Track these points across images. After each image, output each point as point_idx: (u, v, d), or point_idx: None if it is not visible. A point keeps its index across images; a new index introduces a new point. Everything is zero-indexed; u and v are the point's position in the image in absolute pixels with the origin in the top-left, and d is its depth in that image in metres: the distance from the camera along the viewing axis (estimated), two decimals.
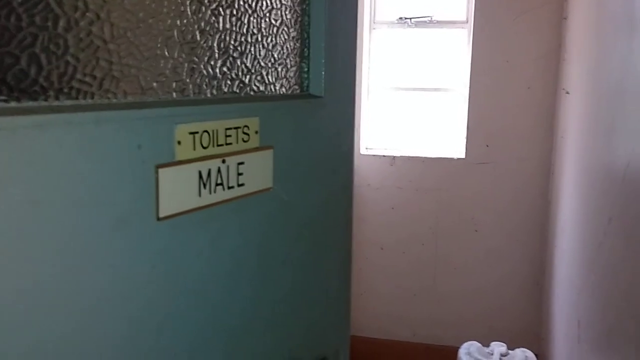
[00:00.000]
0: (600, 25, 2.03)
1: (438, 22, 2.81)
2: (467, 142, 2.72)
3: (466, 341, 2.42)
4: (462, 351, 2.36)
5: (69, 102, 0.69)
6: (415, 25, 2.83)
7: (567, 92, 2.42)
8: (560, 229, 2.42)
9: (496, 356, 2.30)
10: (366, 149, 2.87)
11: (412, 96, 2.93)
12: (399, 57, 2.90)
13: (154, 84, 0.79)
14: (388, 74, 2.91)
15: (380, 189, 2.82)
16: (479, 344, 2.37)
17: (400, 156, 2.80)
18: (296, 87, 1.15)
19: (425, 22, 2.81)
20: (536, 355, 2.41)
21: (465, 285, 2.80)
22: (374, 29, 2.86)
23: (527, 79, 2.63)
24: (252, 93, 0.99)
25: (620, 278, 1.69)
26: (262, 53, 1.02)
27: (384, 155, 2.81)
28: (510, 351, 2.34)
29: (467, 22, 2.72)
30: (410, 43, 2.88)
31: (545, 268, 2.65)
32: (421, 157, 2.79)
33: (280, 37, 1.08)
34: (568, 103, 2.41)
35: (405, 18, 2.82)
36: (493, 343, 2.38)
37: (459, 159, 2.74)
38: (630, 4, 1.72)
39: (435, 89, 2.88)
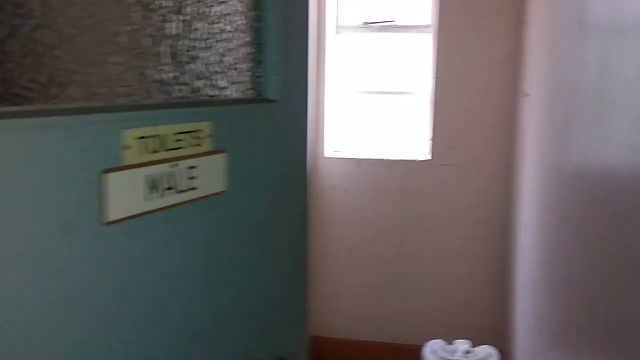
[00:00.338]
0: (555, 29, 2.10)
1: (402, 26, 2.86)
2: (431, 144, 2.77)
3: (430, 339, 2.46)
4: (427, 350, 2.40)
5: (12, 108, 0.70)
6: (380, 29, 2.88)
7: (527, 95, 2.49)
8: (521, 228, 2.48)
9: (460, 354, 2.34)
10: (333, 151, 2.90)
11: (378, 99, 2.97)
12: (365, 61, 2.94)
13: (101, 90, 0.79)
14: (354, 78, 2.94)
15: (347, 191, 2.85)
16: (443, 342, 2.42)
17: (367, 159, 2.84)
18: (251, 91, 1.17)
19: (389, 26, 2.86)
20: (500, 351, 2.46)
21: (430, 284, 2.84)
22: (339, 33, 2.89)
23: (489, 82, 2.70)
24: (204, 98, 1.00)
25: (574, 276, 1.75)
26: (215, 58, 1.03)
27: (350, 158, 2.84)
28: (473, 348, 2.40)
29: (430, 26, 2.78)
30: (375, 47, 2.92)
31: (508, 266, 2.72)
32: (387, 160, 2.83)
33: (233, 42, 1.09)
34: (527, 105, 2.48)
35: (370, 22, 2.86)
36: (457, 341, 2.43)
37: (424, 160, 2.79)
38: (581, 9, 1.79)
39: (400, 92, 2.93)
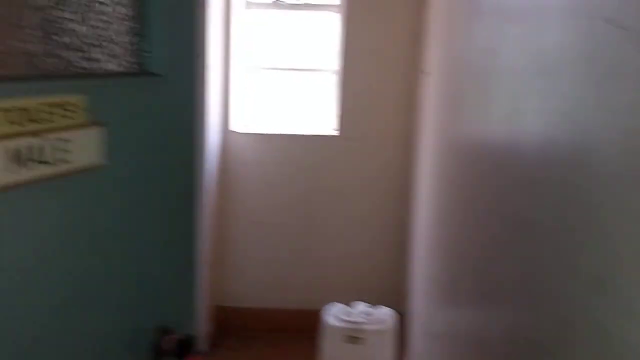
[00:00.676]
0: (452, 11, 2.22)
1: (312, 5, 2.90)
2: (339, 119, 2.86)
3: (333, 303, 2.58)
4: (327, 312, 2.52)
5: None
6: (290, 7, 2.90)
7: (426, 73, 2.62)
8: (420, 197, 2.64)
9: (357, 315, 2.48)
10: (243, 127, 2.92)
11: (288, 76, 3.01)
12: (275, 37, 2.96)
13: None
14: (264, 54, 2.96)
15: (257, 167, 2.89)
16: (343, 305, 2.55)
17: (277, 134, 2.89)
18: (135, 65, 1.18)
19: (299, 4, 2.89)
20: (399, 312, 2.64)
21: (335, 252, 2.97)
22: (249, 8, 2.89)
23: (393, 60, 2.81)
24: (79, 70, 1.00)
25: (462, 240, 1.91)
26: (90, 31, 1.03)
27: (260, 133, 2.88)
28: (372, 310, 2.55)
29: (338, 6, 2.84)
30: (286, 24, 2.95)
31: (407, 233, 2.89)
32: (296, 135, 2.89)
33: (112, 15, 1.09)
34: (427, 83, 2.61)
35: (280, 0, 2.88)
36: (355, 302, 2.57)
37: (332, 135, 2.88)
38: None
39: (310, 69, 2.99)
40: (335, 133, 2.88)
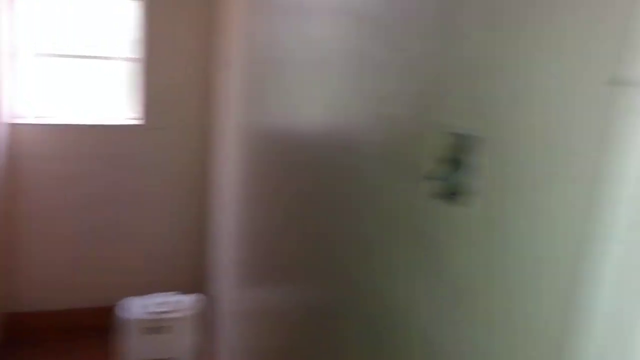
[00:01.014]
0: (254, 5, 2.31)
1: None
2: (145, 109, 2.79)
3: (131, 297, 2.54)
4: (123, 307, 2.49)
5: None
6: None
7: (227, 64, 2.71)
8: (224, 185, 2.73)
9: (156, 304, 2.49)
10: (33, 118, 2.68)
11: (87, 64, 2.84)
12: (67, 24, 2.76)
13: None
14: (55, 41, 2.74)
15: (50, 161, 2.69)
16: (141, 297, 2.53)
17: (73, 125, 2.71)
18: None
19: None
20: (208, 298, 2.71)
21: (136, 245, 2.92)
22: None
23: (195, 50, 2.84)
24: None
25: (260, 223, 2.04)
26: None
27: (53, 125, 2.68)
28: (168, 299, 2.57)
29: None
30: (77, 10, 2.76)
31: (211, 221, 2.97)
32: (95, 125, 2.75)
33: None
34: (228, 73, 2.69)
35: None
36: (154, 294, 2.57)
37: (136, 125, 2.80)
38: None
39: (110, 58, 2.85)
40: (140, 122, 2.81)
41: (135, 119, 2.83)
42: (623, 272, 0.48)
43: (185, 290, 2.72)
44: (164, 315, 2.46)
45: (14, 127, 2.61)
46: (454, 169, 0.78)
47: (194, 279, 2.98)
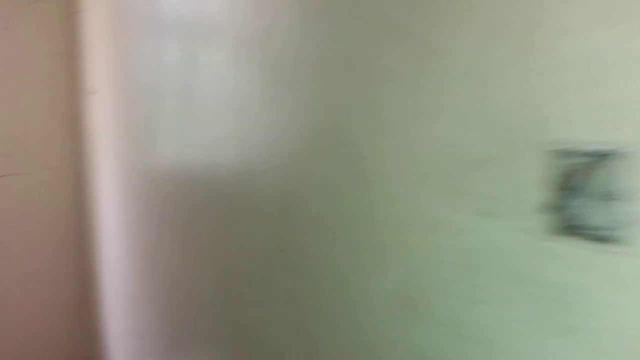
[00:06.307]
0: (125, 22, 1.94)
1: None
2: None
3: None
4: None
5: None
6: None
7: (94, 92, 2.25)
8: (105, 239, 2.25)
9: None
10: None
11: None
12: None
13: None
14: None
15: None
16: None
17: None
18: None
19: None
20: None
21: None
22: None
23: (46, 77, 2.30)
24: None
25: (166, 283, 1.68)
26: None
27: None
28: None
29: None
30: None
31: (93, 284, 2.43)
32: None
33: None
34: (96, 103, 2.24)
35: None
36: None
37: None
38: (156, 5, 1.69)
39: None
40: None
41: None
42: None
43: None
44: None
45: None
46: (572, 195, 0.64)
47: (78, 356, 2.38)
